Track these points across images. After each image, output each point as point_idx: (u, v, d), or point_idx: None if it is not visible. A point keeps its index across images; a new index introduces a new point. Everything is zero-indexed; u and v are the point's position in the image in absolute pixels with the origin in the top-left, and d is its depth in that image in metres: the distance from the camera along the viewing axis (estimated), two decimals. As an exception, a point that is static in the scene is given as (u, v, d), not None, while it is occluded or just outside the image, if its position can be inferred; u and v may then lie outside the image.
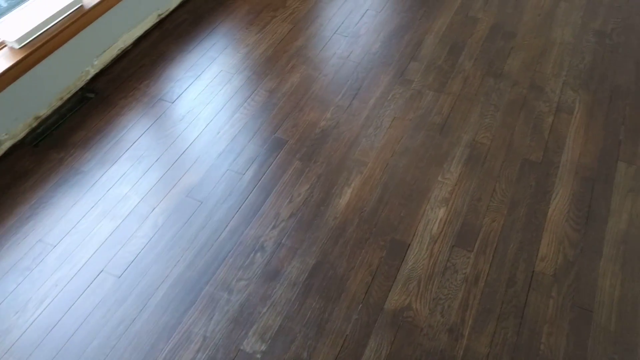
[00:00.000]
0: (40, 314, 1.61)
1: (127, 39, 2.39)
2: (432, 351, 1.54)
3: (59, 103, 2.17)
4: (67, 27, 2.06)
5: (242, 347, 1.54)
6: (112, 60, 2.36)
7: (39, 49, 1.98)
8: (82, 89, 2.24)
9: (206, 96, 2.23)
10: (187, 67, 2.35)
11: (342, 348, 1.54)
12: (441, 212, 1.85)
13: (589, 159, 2.02)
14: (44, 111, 2.12)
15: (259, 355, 1.52)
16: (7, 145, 2.02)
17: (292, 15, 2.61)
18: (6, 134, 2.00)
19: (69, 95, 2.20)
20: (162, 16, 2.55)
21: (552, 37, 2.52)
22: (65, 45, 2.10)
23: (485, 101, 2.22)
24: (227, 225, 1.82)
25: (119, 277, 1.69)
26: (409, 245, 1.77)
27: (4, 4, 2.08)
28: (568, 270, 1.71)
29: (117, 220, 1.83)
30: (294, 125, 2.12)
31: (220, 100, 2.21)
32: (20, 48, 1.95)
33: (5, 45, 1.96)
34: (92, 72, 2.28)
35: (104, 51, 2.30)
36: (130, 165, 1.99)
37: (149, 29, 2.50)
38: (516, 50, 2.45)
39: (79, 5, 2.12)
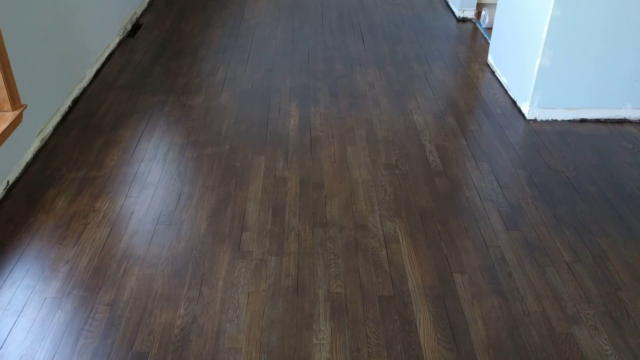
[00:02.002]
0: None
1: None
2: None
3: None
4: None
5: None
6: None
7: None
8: None
9: (37, 333, 1.96)
10: (2, 306, 2.05)
11: None
12: (330, 375, 1.85)
13: (430, 279, 2.23)
14: None
15: None
16: None
17: (106, 218, 2.49)
18: None
19: None
20: (-47, 255, 2.23)
21: (354, 178, 2.81)
22: None
23: (324, 252, 2.34)
24: None
25: None
26: (315, 422, 1.71)
27: None
28: (461, 390, 1.81)
29: None
30: (149, 334, 1.97)
31: (56, 332, 1.96)
32: None
33: None
34: None
35: None
36: None
37: (-60, 274, 2.16)
38: (330, 197, 2.67)
39: None
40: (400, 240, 2.42)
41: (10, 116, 2.60)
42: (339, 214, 2.57)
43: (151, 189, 2.69)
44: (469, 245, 2.41)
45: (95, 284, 2.16)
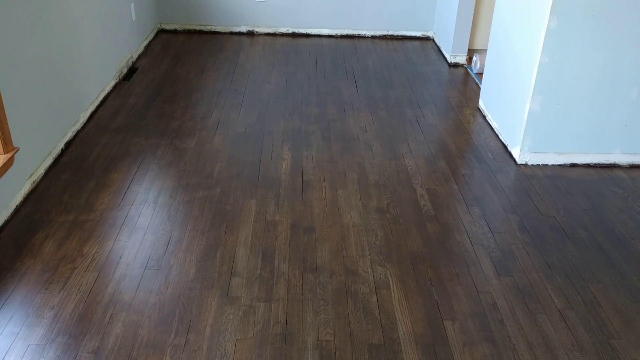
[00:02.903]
0: None
1: None
2: None
3: None
4: None
5: None
6: None
7: None
8: None
9: (18, 381, 1.91)
10: (-16, 354, 2.01)
11: None
12: None
13: (421, 326, 2.20)
14: None
15: None
16: None
17: (94, 262, 2.47)
18: None
19: None
20: (-63, 301, 2.20)
21: (345, 222, 2.80)
22: None
23: (313, 298, 2.32)
24: None
25: None
26: None
27: None
28: None
29: None
30: (133, 383, 1.92)
31: (37, 381, 1.92)
32: None
33: None
34: None
35: None
36: None
37: None
38: (320, 242, 2.65)
39: None
40: (391, 286, 2.40)
41: (1, 159, 2.61)
42: (330, 258, 2.55)
43: (140, 232, 2.67)
44: (460, 291, 2.38)
45: (80, 331, 2.12)
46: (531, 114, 3.27)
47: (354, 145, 3.57)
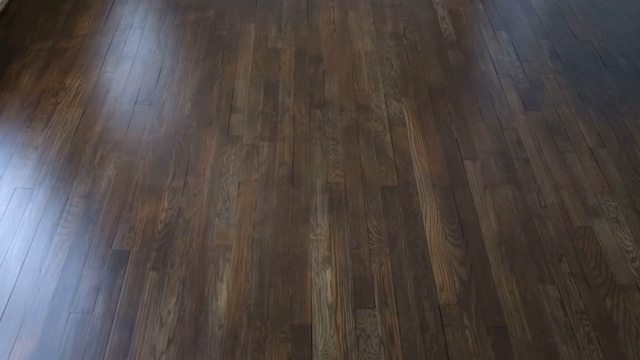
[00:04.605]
0: None
1: None
2: None
3: None
4: None
5: None
6: None
7: None
8: None
9: (7, 227, 1.79)
10: (-33, 198, 1.87)
11: None
12: (328, 275, 1.70)
13: (439, 167, 2.03)
14: None
15: None
16: None
17: (78, 97, 2.23)
18: None
19: None
20: None
21: (356, 50, 2.50)
22: None
23: (321, 137, 2.11)
24: (96, 387, 1.46)
25: None
26: (311, 326, 1.59)
27: None
28: (468, 292, 1.68)
29: None
30: (130, 229, 1.80)
31: (28, 227, 1.79)
32: None
33: None
34: None
35: None
36: None
37: None
38: (328, 73, 2.38)
39: None
40: (407, 123, 2.18)
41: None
42: (339, 92, 2.30)
43: (128, 62, 2.39)
44: (483, 127, 2.17)
45: (69, 173, 1.95)
46: None
47: (366, -43, 3.10)
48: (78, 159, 2.00)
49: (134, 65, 2.38)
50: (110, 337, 1.55)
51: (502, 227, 1.84)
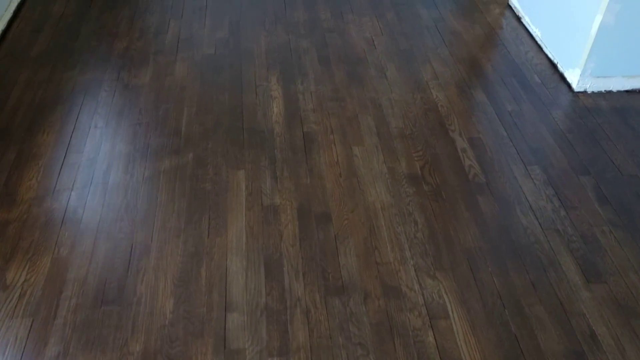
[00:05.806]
0: None
1: None
2: None
3: None
4: None
5: None
6: None
7: None
8: None
9: None
10: None
11: None
12: None
13: (502, 382, 1.58)
14: None
15: None
16: None
17: (24, 300, 1.70)
18: None
19: None
20: None
21: (370, 202, 2.06)
22: None
23: (346, 343, 1.64)
24: None
25: None
26: None
27: None
28: None
29: None
30: None
31: None
32: None
33: None
34: None
35: None
36: None
37: None
38: (342, 239, 1.93)
39: None
40: (450, 312, 1.74)
41: None
42: (359, 268, 1.85)
43: (89, 238, 1.89)
44: (543, 314, 1.74)
45: None
46: (603, 28, 2.45)
47: (363, 70, 2.71)
48: None
49: (96, 242, 1.88)
50: None
51: None
